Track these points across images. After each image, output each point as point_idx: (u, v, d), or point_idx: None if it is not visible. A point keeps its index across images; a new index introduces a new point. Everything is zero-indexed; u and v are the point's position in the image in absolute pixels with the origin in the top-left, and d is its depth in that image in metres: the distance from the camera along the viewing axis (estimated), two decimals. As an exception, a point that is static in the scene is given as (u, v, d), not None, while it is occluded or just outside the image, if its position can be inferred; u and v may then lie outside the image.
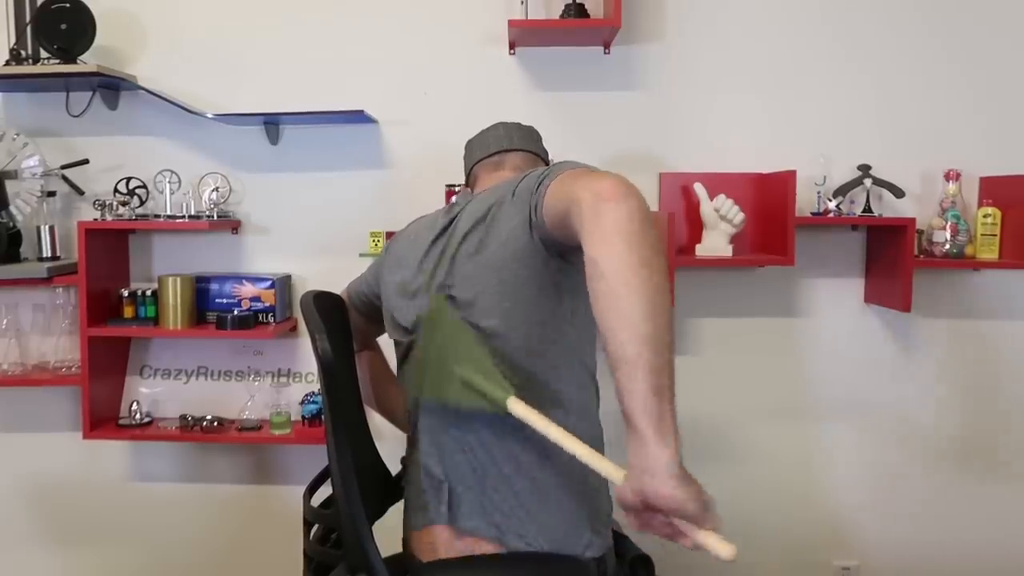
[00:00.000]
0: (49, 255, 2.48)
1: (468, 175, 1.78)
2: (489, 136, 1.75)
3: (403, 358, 1.60)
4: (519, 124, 1.79)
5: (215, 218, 2.44)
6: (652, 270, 1.08)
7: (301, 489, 1.66)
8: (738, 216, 2.35)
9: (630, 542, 1.68)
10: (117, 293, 2.47)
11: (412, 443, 1.56)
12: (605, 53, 2.49)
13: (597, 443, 1.53)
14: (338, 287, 1.82)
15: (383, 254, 1.73)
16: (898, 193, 2.43)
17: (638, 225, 1.10)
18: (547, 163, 1.78)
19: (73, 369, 2.50)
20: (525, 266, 1.38)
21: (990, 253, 2.39)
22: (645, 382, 1.04)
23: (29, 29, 2.40)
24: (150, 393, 2.59)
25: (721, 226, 2.37)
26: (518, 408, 1.27)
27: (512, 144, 1.72)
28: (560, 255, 1.37)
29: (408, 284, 1.56)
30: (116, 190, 2.49)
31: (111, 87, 2.50)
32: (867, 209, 2.44)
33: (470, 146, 1.79)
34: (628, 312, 1.06)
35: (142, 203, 2.51)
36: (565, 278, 1.41)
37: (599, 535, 1.48)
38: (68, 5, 2.34)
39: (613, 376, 1.06)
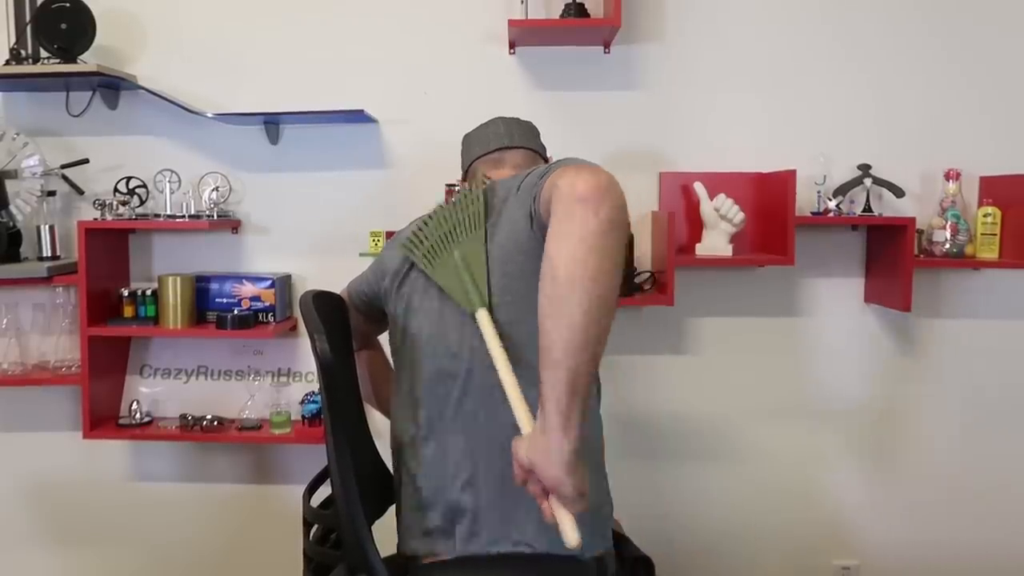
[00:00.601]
0: (49, 255, 2.48)
1: (466, 171, 1.77)
2: (489, 132, 1.75)
3: (399, 358, 1.60)
4: (518, 120, 1.78)
5: (215, 218, 2.44)
6: (603, 283, 1.11)
7: (301, 489, 1.66)
8: (738, 216, 2.35)
9: (631, 544, 1.68)
10: (117, 293, 2.47)
11: (413, 452, 1.55)
12: (605, 53, 2.49)
13: (598, 435, 1.53)
14: (338, 287, 1.82)
15: (384, 253, 1.73)
16: (898, 193, 2.43)
17: (603, 235, 1.12)
18: (546, 160, 1.78)
19: (73, 369, 2.50)
20: (529, 258, 1.37)
21: (990, 253, 2.39)
22: (565, 383, 1.11)
23: (29, 29, 2.40)
24: (150, 393, 2.59)
25: (721, 225, 2.37)
26: (483, 319, 1.33)
27: (513, 142, 1.72)
28: None
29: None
30: (116, 190, 2.49)
31: (111, 87, 2.50)
32: (867, 209, 2.44)
33: (468, 141, 1.78)
34: (569, 319, 1.10)
35: (142, 203, 2.51)
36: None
37: (599, 536, 1.48)
38: (68, 5, 2.34)
39: (539, 362, 1.14)
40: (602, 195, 1.14)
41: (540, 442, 1.14)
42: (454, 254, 1.41)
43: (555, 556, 1.42)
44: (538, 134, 1.80)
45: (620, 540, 1.64)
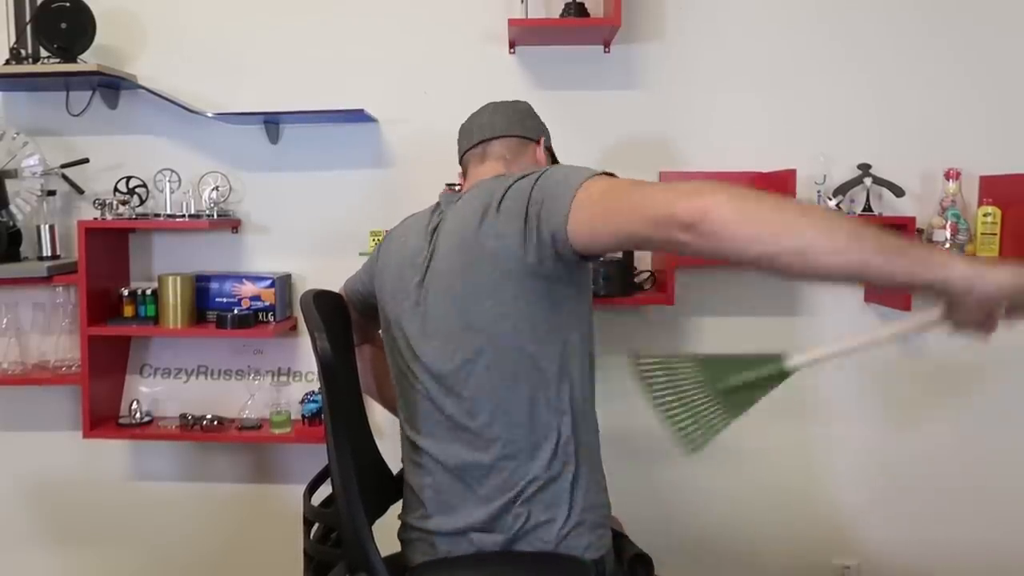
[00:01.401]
0: (49, 254, 2.48)
1: (460, 161, 1.77)
2: (474, 124, 1.73)
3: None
4: (506, 104, 1.76)
5: (215, 217, 2.44)
6: (798, 215, 1.11)
7: (301, 488, 1.66)
8: (738, 215, 2.34)
9: (628, 541, 1.68)
10: (117, 292, 2.47)
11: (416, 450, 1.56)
12: (605, 52, 2.49)
13: (594, 434, 1.53)
14: (338, 286, 1.83)
15: (376, 252, 1.73)
16: (898, 192, 2.43)
17: (753, 204, 1.12)
18: (537, 140, 1.73)
19: (73, 368, 2.50)
20: (518, 283, 1.38)
21: (990, 252, 2.39)
22: (894, 266, 1.11)
23: (29, 28, 2.39)
24: (150, 392, 2.59)
25: (721, 225, 2.37)
26: (798, 359, 1.26)
27: (494, 132, 1.70)
28: (563, 262, 1.37)
29: (400, 296, 1.56)
30: (116, 189, 2.49)
31: (111, 86, 2.50)
32: (867, 208, 2.44)
33: (460, 132, 1.77)
34: (826, 255, 1.10)
35: (142, 202, 2.51)
36: (563, 286, 1.41)
37: (599, 536, 1.48)
38: (68, 4, 2.34)
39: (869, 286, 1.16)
40: (712, 192, 1.13)
41: (966, 278, 1.14)
42: (719, 395, 1.30)
43: (554, 555, 1.42)
44: (528, 114, 1.76)
45: (618, 537, 1.64)
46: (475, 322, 1.42)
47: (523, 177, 1.42)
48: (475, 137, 1.71)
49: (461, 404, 1.46)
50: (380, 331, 1.76)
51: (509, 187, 1.41)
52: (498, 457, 1.44)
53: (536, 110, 1.79)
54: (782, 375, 1.27)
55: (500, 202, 1.40)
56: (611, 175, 1.34)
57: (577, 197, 1.29)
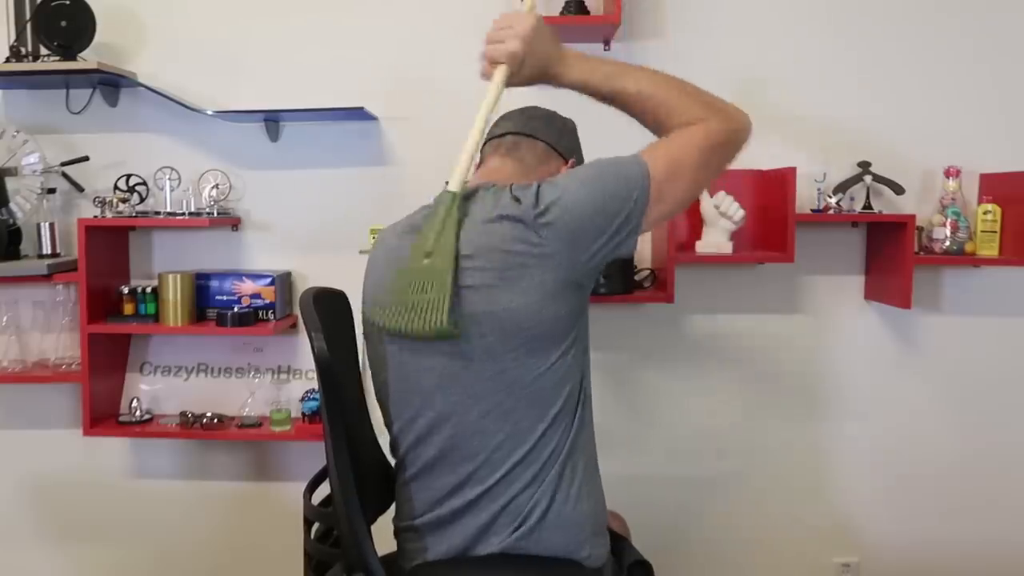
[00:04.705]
0: (49, 252, 2.48)
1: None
2: (512, 115, 1.67)
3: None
4: (554, 113, 1.71)
5: (215, 215, 2.45)
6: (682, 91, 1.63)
7: (302, 486, 1.65)
8: (738, 213, 2.35)
9: (629, 545, 1.67)
10: (117, 290, 2.47)
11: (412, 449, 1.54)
12: (605, 49, 2.49)
13: (590, 446, 1.52)
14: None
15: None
16: (898, 190, 2.43)
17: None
18: (566, 161, 1.68)
19: (73, 366, 2.50)
20: (540, 322, 1.37)
21: (990, 250, 2.39)
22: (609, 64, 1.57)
23: (29, 26, 2.39)
24: (150, 390, 2.59)
25: (721, 223, 2.37)
26: (452, 181, 1.43)
27: (526, 130, 1.64)
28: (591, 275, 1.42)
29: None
30: (116, 187, 2.49)
31: (111, 84, 2.50)
32: (867, 206, 2.44)
33: (498, 120, 1.69)
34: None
35: (142, 200, 2.51)
36: (577, 320, 1.41)
37: (598, 546, 1.47)
38: (68, 2, 2.34)
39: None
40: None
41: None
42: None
43: (554, 559, 1.42)
44: (567, 133, 1.71)
45: (619, 542, 1.63)
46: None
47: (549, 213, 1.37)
48: (505, 127, 1.64)
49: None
50: None
51: (553, 218, 1.36)
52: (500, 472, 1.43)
53: (535, 108, 1.77)
54: (454, 198, 1.41)
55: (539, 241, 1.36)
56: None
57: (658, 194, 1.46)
